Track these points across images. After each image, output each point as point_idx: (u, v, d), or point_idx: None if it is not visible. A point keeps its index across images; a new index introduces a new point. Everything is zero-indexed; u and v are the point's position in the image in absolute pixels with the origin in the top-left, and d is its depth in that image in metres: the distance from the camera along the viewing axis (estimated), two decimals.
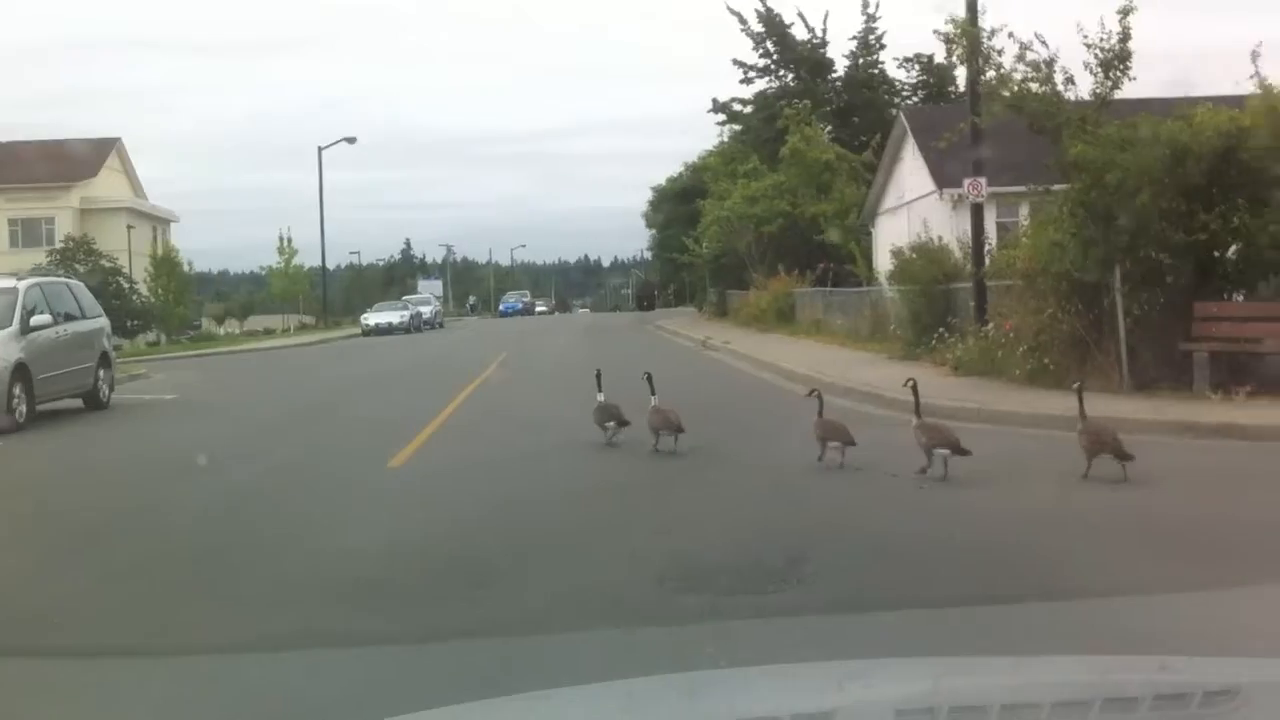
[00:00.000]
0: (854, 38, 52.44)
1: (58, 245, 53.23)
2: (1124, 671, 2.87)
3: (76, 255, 52.41)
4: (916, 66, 52.35)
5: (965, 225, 30.77)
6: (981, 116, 18.22)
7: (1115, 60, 16.06)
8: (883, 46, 53.07)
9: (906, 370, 19.73)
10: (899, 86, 53.27)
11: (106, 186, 61.78)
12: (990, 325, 17.94)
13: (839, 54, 53.25)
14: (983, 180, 19.04)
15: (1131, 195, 14.60)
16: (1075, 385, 10.77)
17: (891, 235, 36.15)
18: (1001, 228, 31.71)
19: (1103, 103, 16.08)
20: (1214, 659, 3.82)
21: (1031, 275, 16.11)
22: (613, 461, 12.09)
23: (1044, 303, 15.77)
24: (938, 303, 21.28)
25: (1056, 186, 16.90)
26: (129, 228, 58.81)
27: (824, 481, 10.56)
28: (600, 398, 12.67)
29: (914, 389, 10.86)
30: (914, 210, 34.64)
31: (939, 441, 10.16)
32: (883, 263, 37.24)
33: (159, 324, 55.03)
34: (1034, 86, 16.36)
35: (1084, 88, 16.19)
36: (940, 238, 27.87)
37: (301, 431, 16.22)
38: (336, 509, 10.09)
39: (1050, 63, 16.24)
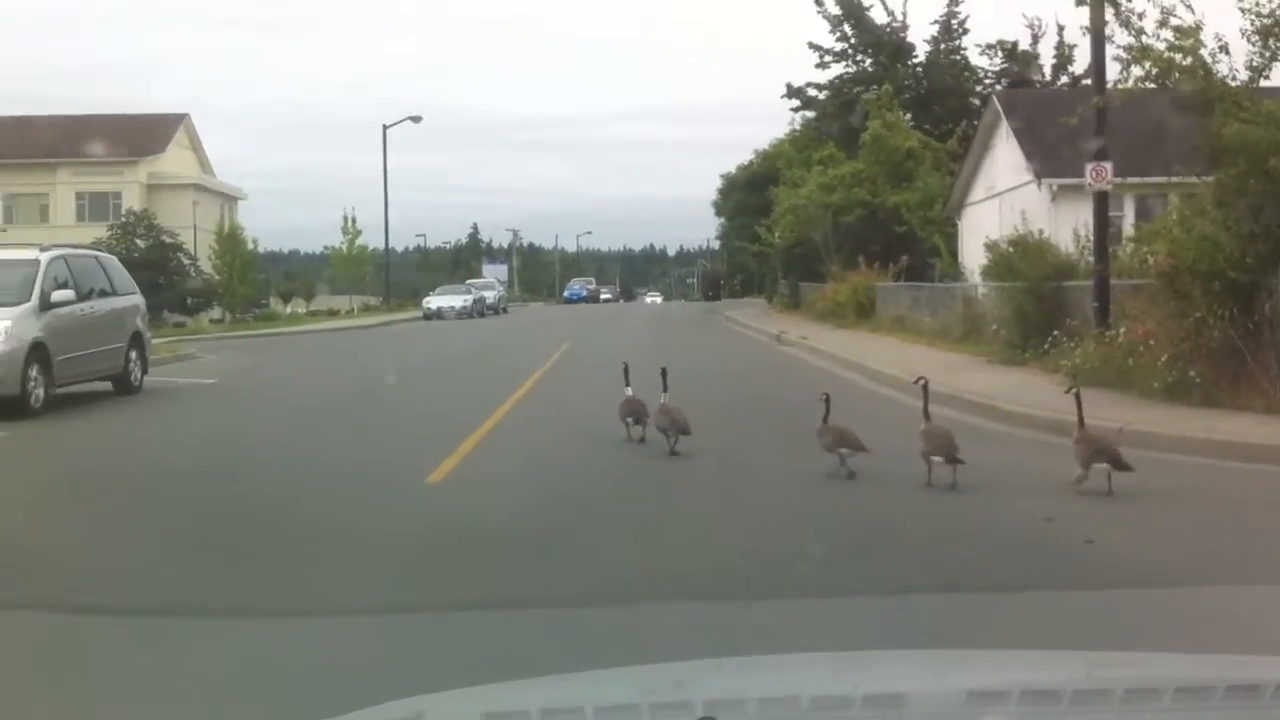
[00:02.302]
0: (935, 22, 50.11)
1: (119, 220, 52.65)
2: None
3: (137, 230, 51.91)
4: (1000, 54, 50.09)
5: (1066, 218, 28.80)
6: (1109, 94, 16.02)
7: (1276, 27, 13.90)
8: (965, 32, 50.78)
9: (1012, 377, 17.74)
10: (981, 74, 51.01)
11: (174, 162, 61.42)
12: (1116, 330, 15.83)
13: (919, 39, 51.03)
14: (1108, 165, 16.91)
15: None
16: (1070, 389, 10.20)
17: (980, 228, 33.92)
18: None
19: (1259, 75, 13.92)
20: (1131, 654, 3.88)
21: (1173, 274, 13.99)
22: (682, 474, 10.30)
23: (1189, 306, 13.66)
24: (1047, 303, 19.14)
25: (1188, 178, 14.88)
26: (195, 204, 58.10)
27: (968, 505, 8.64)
28: (628, 392, 12.12)
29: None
30: (1006, 201, 32.38)
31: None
32: (969, 257, 35.13)
33: (222, 301, 54.36)
34: (1178, 57, 14.26)
35: (1237, 59, 14.04)
36: (1041, 230, 25.75)
37: (335, 429, 14.46)
38: (355, 539, 8.26)
39: (1197, 28, 14.13)
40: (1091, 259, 21.00)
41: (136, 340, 19.13)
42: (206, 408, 17.86)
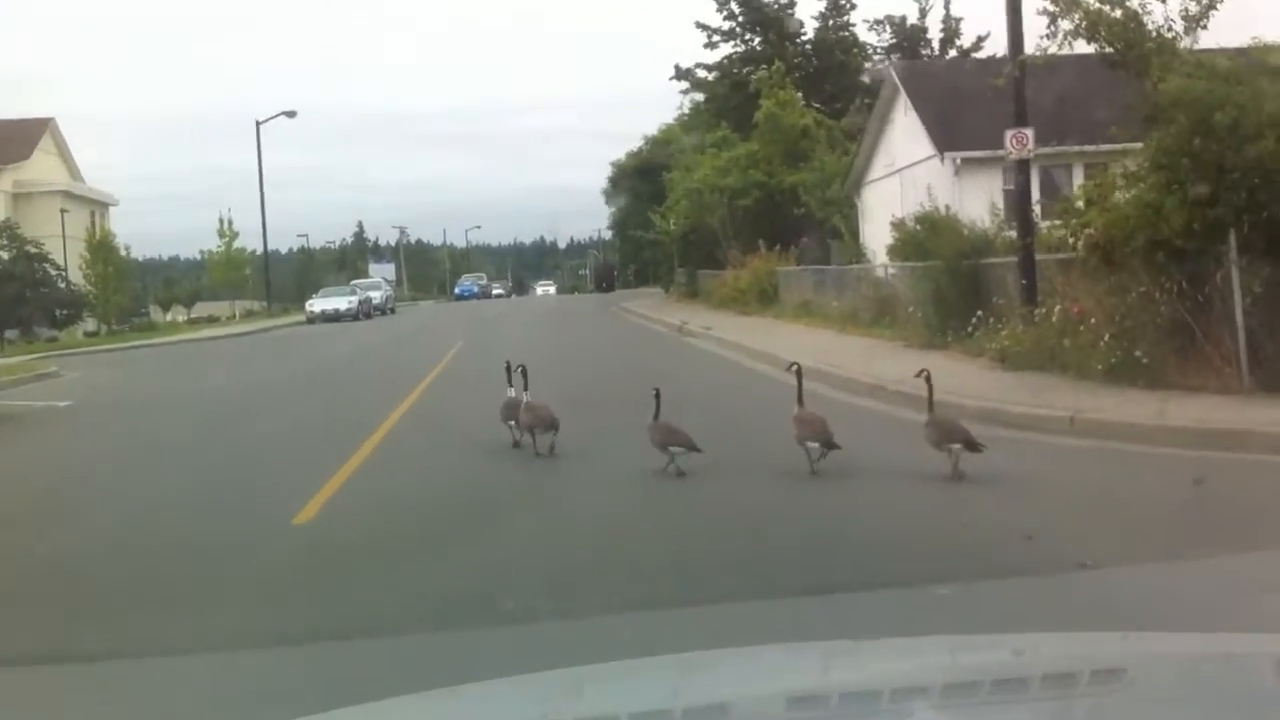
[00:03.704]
0: None
1: None
2: (1007, 651, 2.89)
3: None
4: (889, 28, 49.65)
5: (971, 192, 27.95)
6: (1031, 56, 14.88)
7: None
8: (853, 7, 50.43)
9: (935, 361, 16.35)
10: (870, 50, 50.48)
11: (40, 169, 58.32)
12: (1046, 309, 14.76)
13: (807, 16, 50.33)
14: (1029, 132, 15.81)
15: (1249, 140, 11.45)
16: (921, 373, 9.93)
17: (881, 206, 33.05)
18: (1008, 195, 28.73)
19: (1196, 25, 12.90)
20: (1099, 635, 3.62)
21: (1108, 247, 12.91)
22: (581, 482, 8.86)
23: (1130, 280, 12.59)
24: (965, 282, 18.04)
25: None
26: (63, 212, 55.12)
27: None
28: (510, 393, 11.46)
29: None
30: (908, 177, 31.44)
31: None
32: (871, 237, 34.21)
33: (96, 313, 51.76)
34: (1107, 9, 13.20)
35: (1172, 8, 13.03)
36: (947, 206, 24.80)
37: (193, 458, 12.64)
38: (181, 614, 6.62)
39: None
40: (1009, 234, 20.12)
41: None
42: (52, 435, 15.98)
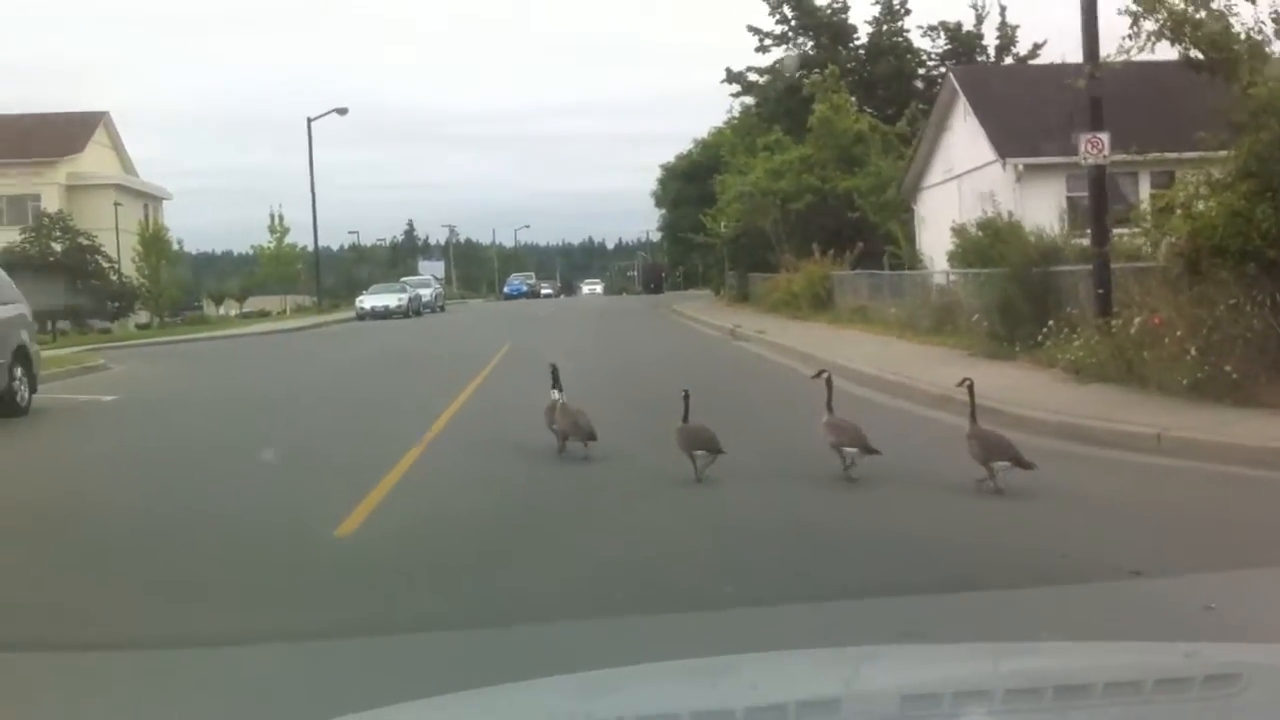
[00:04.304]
0: (876, 2, 48.70)
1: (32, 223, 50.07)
2: (1117, 655, 2.87)
3: (52, 232, 49.51)
4: (943, 34, 48.90)
5: (1032, 199, 27.31)
6: (1106, 61, 14.26)
7: None
8: (908, 12, 49.61)
9: (1004, 372, 16.03)
10: (924, 56, 49.74)
11: (94, 162, 58.82)
12: (1123, 320, 14.15)
13: (860, 20, 49.69)
14: (1104, 136, 15.17)
15: None
16: (963, 382, 9.69)
17: (938, 212, 32.42)
18: (1071, 202, 28.02)
19: None
20: (1211, 644, 3.63)
21: (1194, 256, 12.31)
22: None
23: (1218, 291, 11.98)
24: (1035, 289, 17.43)
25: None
26: (116, 205, 55.45)
27: None
28: (554, 395, 11.06)
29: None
30: (966, 183, 30.82)
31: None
32: (927, 243, 33.59)
33: (148, 305, 52.02)
34: (1192, 9, 12.61)
35: (1262, 9, 12.40)
36: (1010, 212, 24.16)
37: (232, 458, 12.18)
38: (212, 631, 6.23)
39: None
40: (1079, 241, 19.48)
41: (21, 355, 16.95)
42: (95, 432, 15.64)
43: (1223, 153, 13.70)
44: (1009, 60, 45.95)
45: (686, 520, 8.44)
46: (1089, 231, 21.85)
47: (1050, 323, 16.12)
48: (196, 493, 10.30)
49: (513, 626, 5.85)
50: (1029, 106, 28.55)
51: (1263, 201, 11.36)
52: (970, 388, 9.52)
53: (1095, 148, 15.22)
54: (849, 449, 9.21)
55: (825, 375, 10.02)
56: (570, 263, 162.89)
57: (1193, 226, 12.23)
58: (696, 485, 9.23)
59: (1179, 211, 13.15)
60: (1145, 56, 16.35)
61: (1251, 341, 11.63)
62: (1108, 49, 15.07)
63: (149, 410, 17.81)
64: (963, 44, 48.13)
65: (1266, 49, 12.41)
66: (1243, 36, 12.51)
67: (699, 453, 9.35)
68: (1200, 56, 12.71)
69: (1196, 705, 2.26)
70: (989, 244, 22.16)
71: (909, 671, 2.71)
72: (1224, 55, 12.19)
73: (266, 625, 6.14)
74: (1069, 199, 27.90)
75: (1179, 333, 12.15)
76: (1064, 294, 16.95)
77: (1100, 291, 14.74)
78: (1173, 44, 12.91)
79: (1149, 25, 12.80)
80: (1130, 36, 13.37)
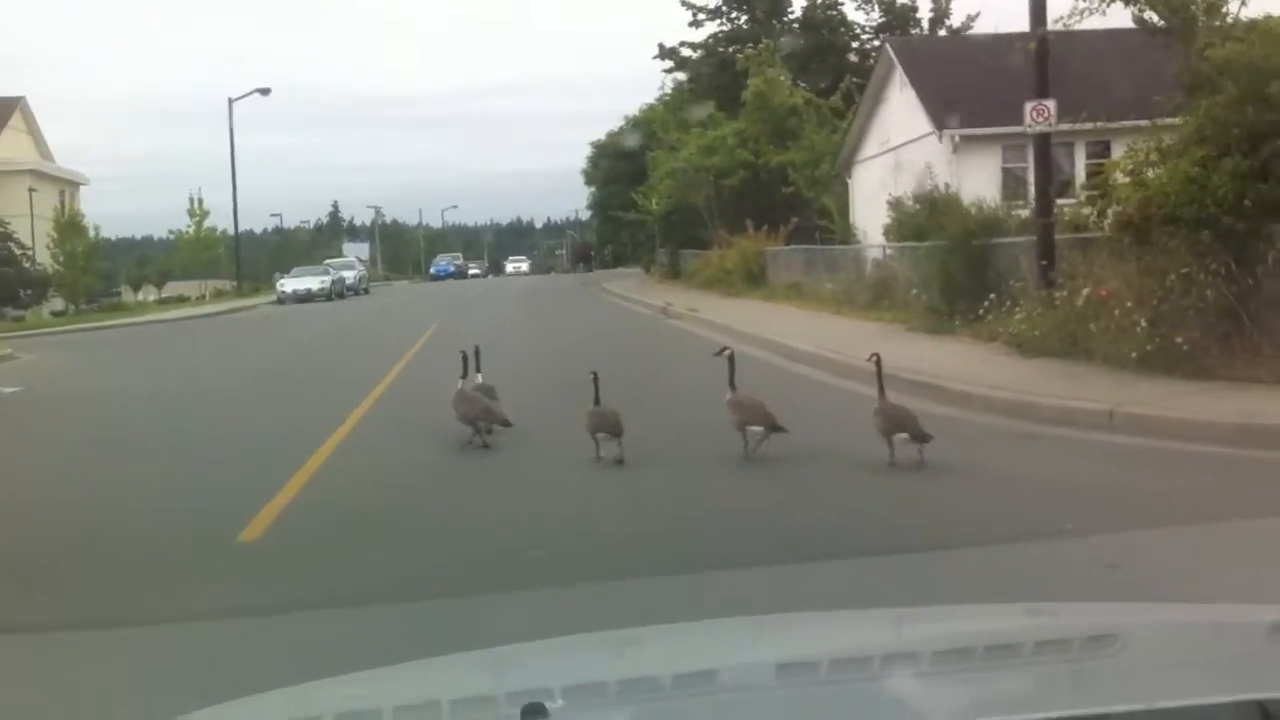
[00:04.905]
0: None
1: None
2: (997, 618, 2.90)
3: None
4: (877, 7, 48.62)
5: (970, 171, 26.91)
6: (1075, 15, 13.76)
7: None
8: None
9: (945, 346, 15.58)
10: (858, 30, 49.46)
11: (9, 147, 56.67)
12: (1069, 291, 13.70)
13: None
14: (1050, 104, 14.69)
15: None
16: (872, 357, 9.63)
17: (873, 185, 31.97)
18: (1007, 173, 27.71)
19: None
20: (1084, 604, 3.87)
21: (1143, 225, 11.84)
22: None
23: (1169, 261, 11.52)
24: (975, 262, 16.95)
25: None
26: (31, 190, 53.62)
27: None
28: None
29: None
30: (903, 156, 30.37)
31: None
32: (862, 217, 33.15)
33: (63, 292, 50.49)
34: None
35: None
36: (947, 184, 23.76)
37: (137, 458, 11.33)
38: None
39: None
40: (1020, 213, 19.09)
41: None
42: None
43: (1169, 120, 13.30)
44: (942, 33, 45.75)
45: (577, 503, 8.37)
46: (1028, 202, 21.63)
47: (991, 296, 15.68)
48: (85, 491, 9.48)
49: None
50: (966, 78, 28.17)
51: (1218, 167, 10.89)
52: (878, 362, 9.45)
53: (1041, 115, 14.75)
54: (754, 427, 9.07)
55: (728, 352, 9.84)
56: (499, 242, 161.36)
57: (1144, 194, 11.74)
58: (601, 468, 9.05)
59: (1126, 179, 12.68)
60: (1080, 25, 15.98)
61: (1204, 312, 11.20)
62: (1052, 16, 14.65)
63: (51, 403, 16.80)
64: (897, 17, 47.92)
65: (1222, 9, 11.94)
66: None
67: (600, 435, 9.23)
68: (1155, 19, 12.21)
69: (1074, 665, 2.30)
70: (926, 217, 21.74)
71: (779, 641, 2.74)
72: (1180, 16, 11.68)
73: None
74: (1005, 170, 27.60)
75: (1128, 304, 11.67)
76: (1005, 266, 16.50)
77: (1044, 263, 14.29)
78: (1127, 4, 12.42)
79: None
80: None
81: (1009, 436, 10.13)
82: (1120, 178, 13.19)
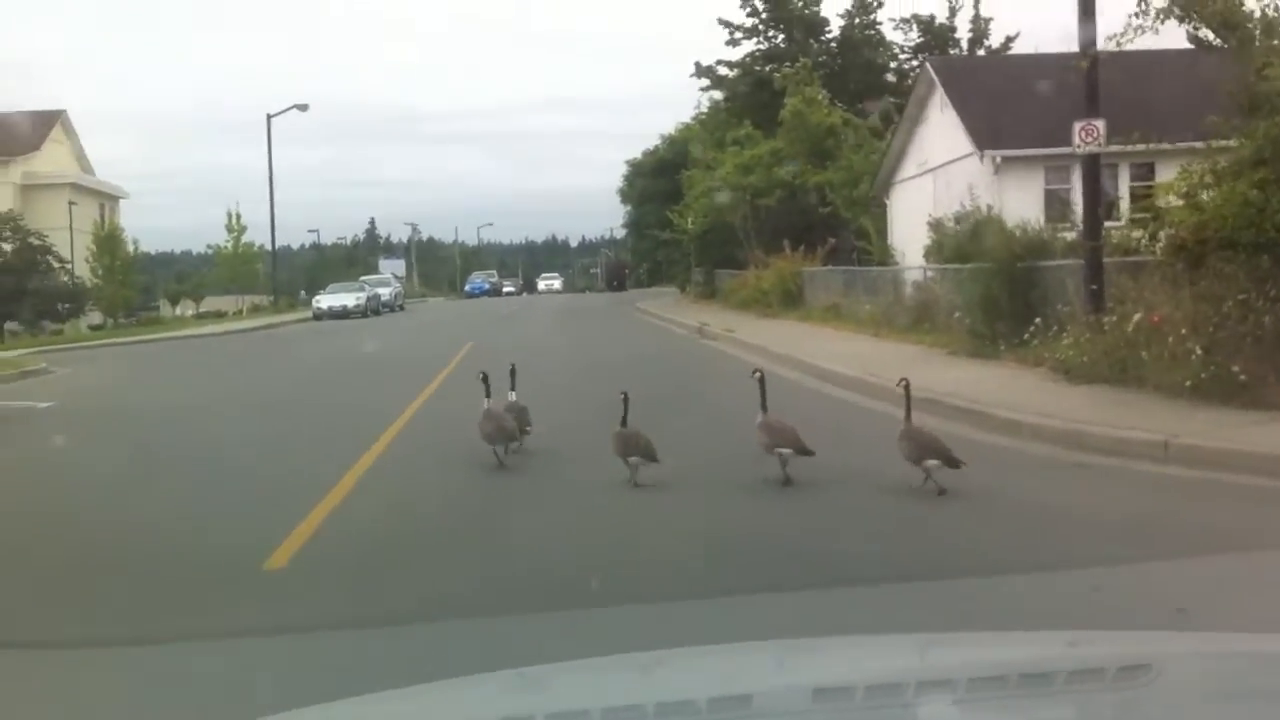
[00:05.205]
0: None
1: None
2: (1033, 646, 2.89)
3: (2, 232, 48.11)
4: (915, 28, 48.34)
5: (1011, 192, 26.51)
6: (1131, 31, 13.37)
7: None
8: (880, 5, 48.99)
9: (990, 371, 15.22)
10: (896, 50, 49.20)
11: (50, 161, 57.30)
12: (1118, 317, 13.36)
13: (833, 13, 49.04)
14: (1099, 124, 14.35)
15: None
16: (901, 382, 9.43)
17: (912, 206, 31.64)
18: (1050, 195, 27.30)
19: None
20: (1120, 633, 3.80)
21: (1200, 249, 11.49)
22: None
23: (1225, 287, 11.16)
24: (1020, 285, 16.60)
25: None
26: (71, 204, 54.06)
27: None
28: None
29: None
30: (941, 177, 30.05)
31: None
32: (900, 238, 32.79)
33: (101, 306, 50.79)
34: None
35: None
36: (989, 206, 23.45)
37: (164, 478, 11.09)
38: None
39: None
40: (1064, 235, 18.75)
41: None
42: (17, 445, 14.51)
43: (1223, 142, 12.96)
44: (981, 53, 45.38)
45: (609, 527, 8.28)
46: (1072, 224, 21.24)
47: (1037, 320, 15.32)
48: (110, 511, 9.30)
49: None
50: (1007, 98, 27.82)
51: (1278, 191, 10.53)
52: (906, 387, 9.31)
53: (1090, 135, 14.41)
54: (782, 450, 8.93)
55: (758, 375, 9.72)
56: (534, 260, 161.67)
57: (1199, 218, 11.39)
58: (631, 490, 8.93)
59: (1179, 202, 12.33)
60: (1129, 46, 15.65)
61: (1262, 340, 10.82)
62: (1100, 35, 14.33)
63: (83, 419, 16.68)
64: (935, 37, 47.56)
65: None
66: (1256, 14, 11.68)
67: (633, 459, 9.07)
68: (1210, 36, 11.87)
69: (1108, 695, 2.30)
70: (968, 239, 21.40)
71: (813, 666, 2.75)
72: (1237, 35, 11.33)
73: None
74: (1048, 191, 27.21)
75: (1183, 331, 11.31)
76: (1051, 290, 16.15)
77: (1093, 287, 13.92)
78: (1181, 22, 12.07)
79: (1158, 2, 11.94)
80: (1138, 14, 12.50)
81: (1060, 466, 9.80)
82: (1173, 200, 12.81)
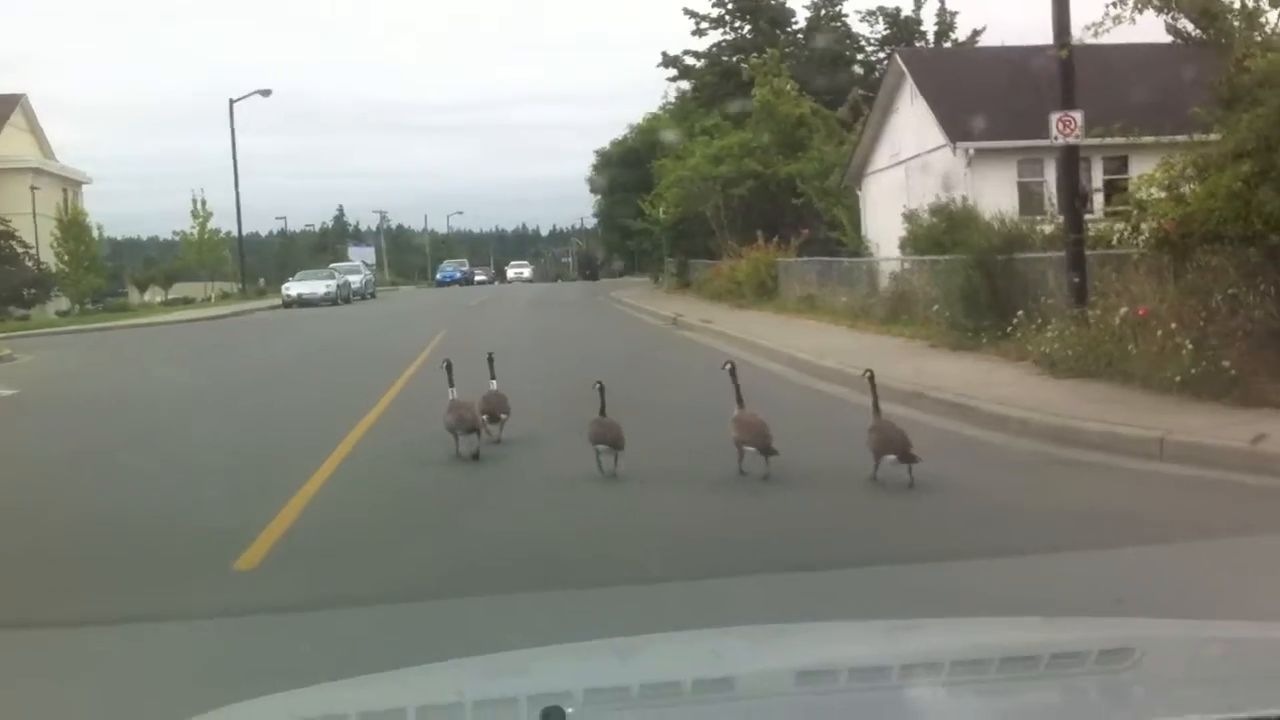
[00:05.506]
0: None
1: None
2: (1013, 630, 2.90)
3: None
4: (881, 19, 48.46)
5: (984, 183, 26.46)
6: (1109, 21, 13.28)
7: None
8: None
9: (973, 365, 15.08)
10: (862, 42, 49.23)
11: (10, 145, 56.31)
12: (1096, 309, 13.27)
13: (799, 4, 48.98)
14: (1077, 115, 14.23)
15: None
16: (866, 373, 9.44)
17: (885, 197, 31.57)
18: (1023, 188, 27.28)
19: None
20: (1096, 619, 3.86)
21: (1186, 242, 11.39)
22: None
23: (1211, 280, 11.07)
24: (999, 278, 16.47)
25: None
26: (34, 189, 53.24)
27: None
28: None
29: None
30: (914, 168, 29.96)
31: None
32: (874, 229, 32.69)
33: (68, 292, 50.18)
34: None
35: None
36: (964, 197, 23.33)
37: (130, 470, 10.78)
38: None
39: None
40: (1043, 227, 18.71)
41: None
42: None
43: (1202, 136, 12.90)
44: (947, 46, 45.41)
45: (575, 515, 8.31)
46: (1048, 216, 21.18)
47: (1020, 313, 15.20)
48: (72, 506, 9.02)
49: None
50: (978, 90, 27.76)
51: (1264, 183, 10.44)
52: (871, 379, 9.30)
53: (1068, 127, 14.28)
54: (747, 447, 8.93)
55: (729, 366, 9.71)
56: (504, 248, 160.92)
57: (1183, 210, 11.29)
58: (600, 482, 8.94)
59: (1162, 194, 12.23)
60: (1105, 37, 15.62)
61: (1252, 334, 10.72)
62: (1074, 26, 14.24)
63: (45, 408, 16.37)
64: (901, 29, 47.66)
65: (1261, 19, 11.51)
66: (1236, 5, 11.59)
67: (601, 447, 9.10)
68: (1190, 28, 11.77)
69: (1091, 679, 2.30)
70: (943, 230, 21.30)
71: (796, 649, 2.74)
72: (1217, 26, 11.23)
73: None
74: (1021, 184, 27.18)
75: (1172, 325, 11.21)
76: (1031, 282, 16.04)
77: (1076, 280, 13.81)
78: (1160, 12, 11.97)
79: None
80: (1116, 3, 12.40)
81: (1052, 463, 9.65)
82: (1155, 193, 12.71)
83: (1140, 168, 18.92)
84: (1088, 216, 19.32)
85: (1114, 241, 14.59)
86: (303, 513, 8.20)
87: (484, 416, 10.57)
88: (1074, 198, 14.70)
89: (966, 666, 2.40)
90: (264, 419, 14.14)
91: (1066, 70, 14.53)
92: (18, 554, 7.51)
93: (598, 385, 9.41)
